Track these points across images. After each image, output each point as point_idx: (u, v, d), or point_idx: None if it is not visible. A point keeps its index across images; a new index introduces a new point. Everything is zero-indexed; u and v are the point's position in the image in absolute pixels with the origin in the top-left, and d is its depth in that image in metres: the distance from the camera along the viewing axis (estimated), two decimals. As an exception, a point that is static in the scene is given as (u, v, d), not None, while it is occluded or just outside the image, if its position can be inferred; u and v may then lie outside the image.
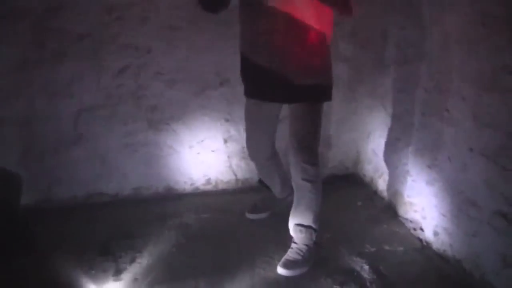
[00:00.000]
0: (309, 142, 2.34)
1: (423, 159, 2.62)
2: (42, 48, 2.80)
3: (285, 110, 2.44)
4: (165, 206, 3.02)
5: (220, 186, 3.28)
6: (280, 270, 2.35)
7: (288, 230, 2.50)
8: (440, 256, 2.49)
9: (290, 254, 2.41)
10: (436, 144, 2.50)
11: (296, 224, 2.44)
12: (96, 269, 2.37)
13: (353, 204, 3.10)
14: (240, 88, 2.89)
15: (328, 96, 2.35)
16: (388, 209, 3.00)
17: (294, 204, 2.46)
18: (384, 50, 2.99)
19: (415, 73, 2.67)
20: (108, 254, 2.49)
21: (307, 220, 2.42)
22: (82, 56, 2.88)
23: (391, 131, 2.98)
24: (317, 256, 2.46)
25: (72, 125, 2.96)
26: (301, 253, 2.40)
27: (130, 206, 3.03)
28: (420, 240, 2.66)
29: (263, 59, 2.22)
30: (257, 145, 2.60)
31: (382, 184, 3.11)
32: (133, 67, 2.97)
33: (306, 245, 2.43)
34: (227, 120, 3.17)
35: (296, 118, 2.33)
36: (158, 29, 2.95)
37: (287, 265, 2.36)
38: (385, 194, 3.07)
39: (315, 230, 2.44)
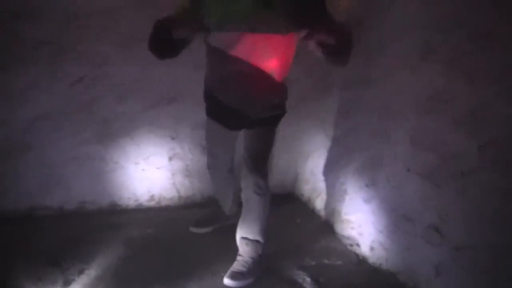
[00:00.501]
0: (263, 159, 2.49)
1: (362, 178, 2.80)
2: (4, 52, 2.77)
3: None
4: (110, 221, 3.02)
5: (163, 203, 3.31)
6: (227, 281, 2.43)
7: (233, 242, 2.59)
8: (376, 270, 2.65)
9: (236, 266, 2.50)
10: (375, 164, 2.69)
11: (243, 237, 2.54)
12: (44, 281, 2.34)
13: (292, 221, 3.24)
14: (187, 107, 3.01)
15: (278, 122, 2.54)
16: (325, 226, 3.15)
17: (241, 217, 2.57)
18: (327, 76, 3.17)
19: (357, 97, 2.87)
20: (56, 265, 2.47)
21: (254, 233, 2.52)
22: (40, 63, 2.85)
23: (330, 152, 3.15)
24: (262, 268, 2.55)
25: (22, 133, 2.91)
26: (247, 265, 2.49)
27: (75, 219, 3.00)
28: (357, 255, 2.82)
29: (227, 97, 2.38)
30: (218, 159, 2.73)
31: (319, 203, 3.27)
32: (89, 78, 2.96)
33: (252, 257, 2.53)
34: (173, 138, 3.23)
35: (252, 138, 2.48)
36: (117, 41, 2.97)
37: (234, 276, 2.44)
38: (322, 212, 3.23)
39: (261, 243, 2.53)
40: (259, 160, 2.46)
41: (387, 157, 2.61)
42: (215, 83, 2.42)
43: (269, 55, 2.23)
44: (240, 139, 2.59)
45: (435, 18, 2.27)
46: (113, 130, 3.10)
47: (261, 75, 2.27)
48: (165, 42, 2.19)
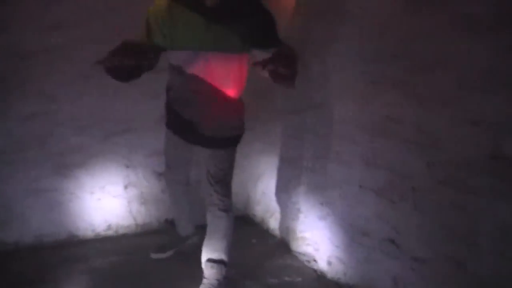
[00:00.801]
0: (225, 178, 2.60)
1: (315, 197, 2.97)
2: None
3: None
4: (69, 252, 3.02)
5: (121, 231, 3.35)
6: (195, 306, 2.50)
7: (196, 264, 2.67)
8: (336, 284, 2.81)
9: None
10: (328, 183, 2.87)
11: (208, 260, 2.62)
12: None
13: (248, 242, 3.34)
14: (139, 136, 3.10)
15: (238, 143, 2.65)
16: (281, 245, 3.29)
17: (206, 237, 2.65)
18: (276, 99, 3.33)
19: (308, 120, 3.04)
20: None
21: (219, 251, 2.61)
22: None
23: (281, 173, 3.30)
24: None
25: None
26: None
27: (33, 253, 2.98)
28: (315, 270, 2.98)
29: (188, 113, 2.49)
30: (175, 171, 2.82)
31: (273, 222, 3.41)
32: (42, 113, 3.00)
33: (217, 279, 2.61)
34: (127, 166, 3.28)
35: (214, 158, 2.57)
36: (68, 77, 3.04)
37: (201, 301, 2.50)
38: (277, 232, 3.37)
39: (225, 264, 2.63)
40: (222, 179, 2.57)
41: (340, 176, 2.78)
42: (175, 98, 2.54)
43: (225, 74, 2.38)
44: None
45: (377, 51, 2.49)
46: (68, 162, 3.14)
47: (217, 94, 2.41)
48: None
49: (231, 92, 2.44)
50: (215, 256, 2.62)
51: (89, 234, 3.25)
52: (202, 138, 2.50)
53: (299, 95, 3.06)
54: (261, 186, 3.56)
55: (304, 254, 3.09)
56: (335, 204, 2.83)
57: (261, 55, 2.29)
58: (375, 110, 2.53)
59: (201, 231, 2.79)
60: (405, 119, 2.35)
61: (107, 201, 3.27)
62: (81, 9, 2.98)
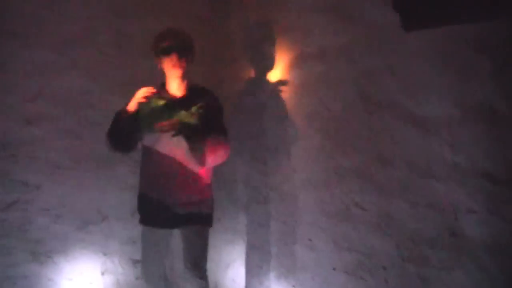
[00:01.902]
0: (201, 259, 2.86)
1: (287, 280, 3.23)
2: None
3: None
4: None
5: (98, 317, 3.40)
6: None
7: None
8: None
9: None
10: (299, 267, 3.15)
11: None
12: None
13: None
14: (116, 224, 3.31)
15: (210, 222, 2.94)
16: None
17: None
18: (239, 192, 3.65)
19: (275, 210, 3.36)
20: None
21: None
22: None
23: (252, 260, 3.56)
24: None
25: None
26: None
27: None
28: None
29: (157, 192, 2.79)
30: (153, 267, 2.97)
31: (244, 309, 3.59)
32: (21, 202, 3.17)
33: None
34: (104, 254, 3.43)
35: (187, 240, 2.85)
36: (46, 168, 3.25)
37: None
38: (248, 318, 3.55)
39: None
40: (198, 260, 2.83)
41: (311, 260, 3.08)
42: (147, 181, 2.84)
43: (189, 152, 2.74)
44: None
45: (337, 146, 2.91)
46: (47, 249, 3.26)
47: (184, 172, 2.76)
48: (124, 126, 2.71)
49: (196, 171, 2.79)
50: None
51: (67, 321, 3.28)
52: (177, 217, 2.79)
53: (267, 187, 3.40)
54: (230, 274, 3.77)
55: (275, 338, 3.27)
56: (307, 286, 3.09)
57: None
58: (339, 198, 2.91)
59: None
60: (369, 205, 2.72)
61: (84, 287, 3.33)
62: (57, 105, 3.27)
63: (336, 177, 2.92)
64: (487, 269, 2.17)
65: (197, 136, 2.66)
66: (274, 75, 3.37)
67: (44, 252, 3.25)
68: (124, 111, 2.71)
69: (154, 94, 2.72)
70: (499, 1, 2.13)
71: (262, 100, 3.47)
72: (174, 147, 2.72)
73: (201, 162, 2.72)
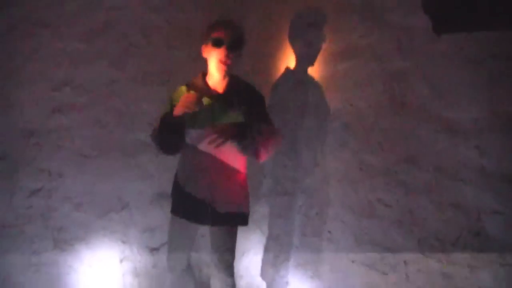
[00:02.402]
0: (230, 258, 2.91)
1: (305, 271, 3.35)
2: None
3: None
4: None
5: (115, 303, 3.51)
6: None
7: None
8: None
9: None
10: (318, 259, 3.26)
11: None
12: None
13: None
14: (135, 213, 3.41)
15: (245, 221, 2.94)
16: (268, 318, 3.57)
17: None
18: (258, 182, 3.73)
19: (295, 202, 3.45)
20: None
21: None
22: None
23: (268, 249, 3.65)
24: None
25: None
26: None
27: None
28: None
29: (195, 188, 2.78)
30: (178, 257, 3.02)
31: (257, 296, 3.71)
32: (45, 189, 3.25)
33: None
34: (123, 242, 3.51)
35: (218, 238, 2.88)
36: (71, 156, 3.32)
37: None
38: (262, 305, 3.66)
39: None
40: (227, 259, 2.88)
41: (330, 253, 3.19)
42: (187, 176, 2.82)
43: (230, 151, 2.72)
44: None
45: (363, 143, 3.03)
46: (68, 237, 3.36)
47: (226, 169, 2.76)
48: (171, 129, 2.64)
49: (237, 167, 2.81)
50: None
51: (86, 308, 3.40)
52: (216, 215, 2.78)
53: (287, 180, 3.49)
54: (245, 262, 3.86)
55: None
56: (324, 278, 3.21)
57: None
58: (362, 193, 3.03)
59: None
60: (392, 202, 2.82)
61: (103, 274, 3.45)
62: (83, 94, 3.33)
63: (360, 173, 3.03)
64: (512, 268, 2.29)
65: (247, 136, 2.60)
66: (297, 70, 3.42)
67: (66, 239, 3.35)
68: (170, 117, 2.63)
69: (197, 94, 2.67)
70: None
71: (285, 93, 3.53)
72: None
73: (257, 157, 2.68)
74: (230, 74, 2.76)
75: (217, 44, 2.64)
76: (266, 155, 2.67)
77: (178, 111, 2.57)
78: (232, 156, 2.75)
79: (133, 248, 3.56)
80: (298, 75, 3.42)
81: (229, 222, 2.82)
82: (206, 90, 2.74)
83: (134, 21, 3.44)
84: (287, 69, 3.50)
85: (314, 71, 3.33)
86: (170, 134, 2.64)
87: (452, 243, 2.54)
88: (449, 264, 2.56)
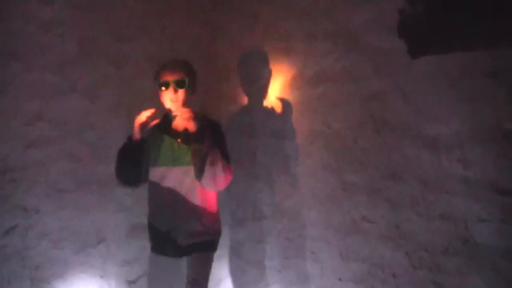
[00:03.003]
0: (202, 283, 2.93)
1: (291, 291, 3.36)
2: None
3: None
4: None
5: None
6: None
7: None
8: None
9: None
10: (303, 279, 3.29)
11: None
12: None
13: None
14: (113, 247, 3.37)
15: (214, 248, 3.02)
16: None
17: None
18: (233, 208, 3.75)
19: (274, 226, 3.48)
20: None
21: None
22: None
23: (248, 275, 3.66)
24: None
25: None
26: None
27: None
28: None
29: (163, 223, 2.88)
30: None
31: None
32: (21, 227, 3.13)
33: None
34: (101, 277, 3.43)
35: (189, 267, 2.92)
36: (46, 191, 3.23)
37: None
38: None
39: None
40: (199, 280, 2.89)
41: (316, 272, 3.24)
42: (154, 212, 2.93)
43: (191, 185, 2.84)
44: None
45: (344, 162, 3.12)
46: (46, 275, 3.23)
47: (188, 203, 2.85)
48: (132, 154, 2.78)
49: (200, 201, 2.88)
50: None
51: None
52: (182, 247, 2.86)
53: (264, 204, 3.56)
54: (223, 290, 3.85)
55: None
56: (312, 297, 3.23)
57: None
58: (346, 212, 3.11)
59: None
60: (377, 218, 2.92)
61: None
62: (57, 127, 3.26)
63: (342, 192, 3.12)
64: (504, 272, 2.42)
65: (203, 146, 2.70)
66: (271, 95, 3.50)
67: (43, 278, 3.22)
68: (130, 139, 2.80)
69: (155, 124, 2.87)
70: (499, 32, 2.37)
71: (259, 119, 3.59)
72: (180, 181, 2.85)
73: (210, 185, 2.78)
74: (188, 110, 2.77)
75: (164, 86, 2.81)
76: (219, 184, 2.79)
77: (135, 131, 2.76)
78: (193, 189, 2.86)
79: (111, 283, 3.49)
80: (273, 100, 3.49)
81: (195, 250, 2.89)
82: (165, 126, 2.92)
83: (105, 52, 3.42)
84: (262, 95, 3.56)
85: (289, 95, 3.43)
86: (129, 157, 2.79)
87: (441, 252, 2.64)
88: (440, 273, 2.65)
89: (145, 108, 2.81)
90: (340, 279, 3.13)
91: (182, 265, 2.96)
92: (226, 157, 2.83)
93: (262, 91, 3.58)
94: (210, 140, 2.72)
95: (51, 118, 3.23)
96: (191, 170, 2.78)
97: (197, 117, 2.72)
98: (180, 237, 2.84)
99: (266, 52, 3.56)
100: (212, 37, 3.93)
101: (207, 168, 2.67)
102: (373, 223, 2.97)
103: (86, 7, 3.35)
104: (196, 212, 2.87)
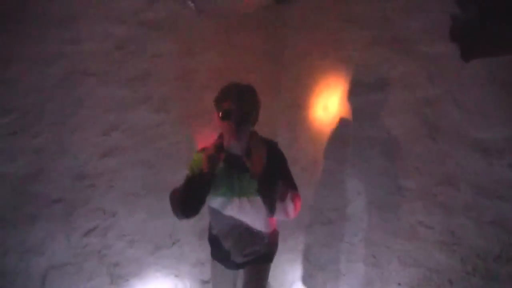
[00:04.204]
0: None
1: (353, 296, 3.37)
2: (19, 210, 3.18)
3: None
4: None
5: (170, 335, 3.65)
6: None
7: None
8: None
9: None
10: (364, 283, 3.30)
11: None
12: None
13: None
14: (186, 248, 3.51)
15: (272, 259, 2.99)
16: None
17: None
18: (301, 213, 3.79)
19: (338, 231, 3.51)
20: None
21: None
22: (54, 218, 3.29)
23: (315, 279, 3.71)
24: None
25: (40, 282, 3.24)
26: None
27: None
28: None
29: (224, 243, 2.84)
30: None
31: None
32: (100, 228, 3.45)
33: None
34: (176, 276, 3.63)
35: (249, 275, 2.92)
36: (123, 196, 3.53)
37: None
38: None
39: None
40: None
41: (376, 276, 3.23)
42: (216, 232, 2.90)
43: (254, 214, 2.76)
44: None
45: (399, 168, 3.10)
46: (124, 273, 3.55)
47: (252, 230, 2.79)
48: (201, 190, 2.57)
49: (261, 227, 2.83)
50: None
51: None
52: (240, 264, 2.88)
53: (330, 209, 3.57)
54: (294, 292, 3.92)
55: None
56: (373, 301, 3.22)
57: None
58: (403, 217, 3.11)
59: None
60: (433, 224, 2.87)
61: (158, 307, 3.56)
62: (131, 137, 3.52)
63: (399, 197, 3.11)
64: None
65: (272, 186, 2.50)
66: (334, 102, 3.53)
67: (121, 275, 3.53)
68: (202, 175, 2.54)
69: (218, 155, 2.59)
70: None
71: (321, 127, 3.63)
72: (244, 211, 2.72)
73: (282, 217, 2.59)
74: (247, 140, 2.63)
75: (225, 117, 2.53)
76: (292, 214, 2.59)
77: (207, 167, 2.52)
78: (255, 218, 2.77)
79: (185, 282, 3.67)
80: (335, 108, 3.53)
81: (253, 263, 2.88)
82: (225, 156, 2.65)
83: (174, 66, 3.67)
84: (326, 102, 3.61)
85: (348, 103, 3.46)
86: (198, 192, 2.57)
87: (494, 259, 2.56)
88: (492, 280, 2.56)
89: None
90: (399, 284, 3.09)
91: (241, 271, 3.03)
92: (291, 183, 2.66)
93: (322, 100, 3.63)
94: (276, 173, 2.53)
95: (125, 129, 3.53)
96: (255, 200, 2.63)
97: (263, 156, 2.53)
98: (241, 256, 2.83)
99: (326, 62, 3.61)
100: (278, 50, 4.03)
101: (278, 205, 2.49)
102: (429, 228, 2.95)
103: (157, 25, 3.60)
104: (260, 235, 2.84)
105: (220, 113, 2.53)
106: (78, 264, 3.35)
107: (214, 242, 2.94)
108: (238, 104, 2.51)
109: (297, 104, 3.95)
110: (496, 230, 2.56)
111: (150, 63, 3.58)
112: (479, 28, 2.61)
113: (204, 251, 3.72)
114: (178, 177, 3.50)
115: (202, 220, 3.59)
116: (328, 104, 3.65)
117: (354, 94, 3.46)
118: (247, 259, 2.85)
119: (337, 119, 3.59)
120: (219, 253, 2.92)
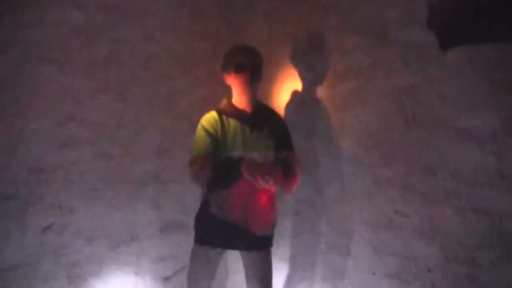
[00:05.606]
0: (269, 279, 2.90)
1: (326, 285, 3.26)
2: None
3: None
4: None
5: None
6: None
7: None
8: None
9: None
10: (335, 273, 3.24)
11: None
12: None
13: None
14: (147, 244, 3.35)
15: (272, 243, 2.99)
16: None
17: None
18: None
19: (308, 221, 3.43)
20: None
21: None
22: (6, 216, 3.00)
23: (282, 271, 3.58)
24: None
25: None
26: None
27: None
28: None
29: (234, 217, 2.77)
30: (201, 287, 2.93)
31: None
32: (56, 225, 3.21)
33: None
34: (136, 274, 3.47)
35: (256, 263, 2.88)
36: (80, 190, 3.30)
37: None
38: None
39: None
40: (266, 280, 2.88)
41: (348, 266, 3.17)
42: (219, 203, 2.78)
43: (267, 169, 2.69)
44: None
45: (376, 157, 3.06)
46: (82, 272, 3.31)
47: (262, 195, 2.78)
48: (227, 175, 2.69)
49: (269, 196, 2.86)
50: None
51: None
52: (250, 240, 2.81)
53: (293, 199, 3.51)
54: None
55: None
56: (346, 292, 3.16)
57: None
58: (378, 207, 3.08)
59: None
60: (410, 212, 2.82)
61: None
62: (89, 128, 3.30)
63: (375, 187, 3.10)
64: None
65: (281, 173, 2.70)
66: (302, 92, 3.44)
67: (79, 275, 3.30)
68: (232, 167, 2.64)
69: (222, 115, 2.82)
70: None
71: (292, 116, 3.54)
72: (254, 168, 2.65)
73: (290, 189, 2.89)
74: (255, 98, 2.90)
75: (240, 69, 2.77)
76: (296, 185, 2.87)
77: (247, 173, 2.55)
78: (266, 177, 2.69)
79: (146, 279, 3.52)
80: (304, 97, 3.44)
81: (261, 245, 2.87)
82: (233, 110, 2.85)
83: (135, 53, 3.47)
84: (293, 92, 3.51)
85: (320, 92, 3.42)
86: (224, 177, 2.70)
87: (476, 246, 2.54)
88: (474, 266, 2.53)
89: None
90: (374, 274, 3.04)
91: (225, 258, 2.89)
92: (295, 153, 2.95)
93: (293, 89, 3.56)
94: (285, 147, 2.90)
95: (83, 119, 3.30)
96: (267, 155, 2.81)
97: (263, 107, 2.94)
98: (257, 228, 2.80)
99: (297, 49, 3.50)
100: (238, 37, 3.88)
101: (288, 180, 2.79)
102: (405, 217, 2.90)
103: (116, 11, 3.39)
104: (270, 202, 2.85)
105: (234, 68, 2.78)
106: (33, 265, 3.07)
107: (213, 218, 2.77)
108: (251, 57, 2.79)
109: (263, 92, 3.82)
110: (478, 217, 2.55)
111: (110, 50, 3.37)
112: (457, 15, 2.57)
113: (166, 246, 3.60)
114: (139, 168, 3.35)
115: (162, 214, 3.48)
116: (298, 93, 3.55)
117: (325, 83, 3.39)
118: (263, 235, 2.84)
119: (306, 108, 3.51)
120: (220, 231, 2.78)
